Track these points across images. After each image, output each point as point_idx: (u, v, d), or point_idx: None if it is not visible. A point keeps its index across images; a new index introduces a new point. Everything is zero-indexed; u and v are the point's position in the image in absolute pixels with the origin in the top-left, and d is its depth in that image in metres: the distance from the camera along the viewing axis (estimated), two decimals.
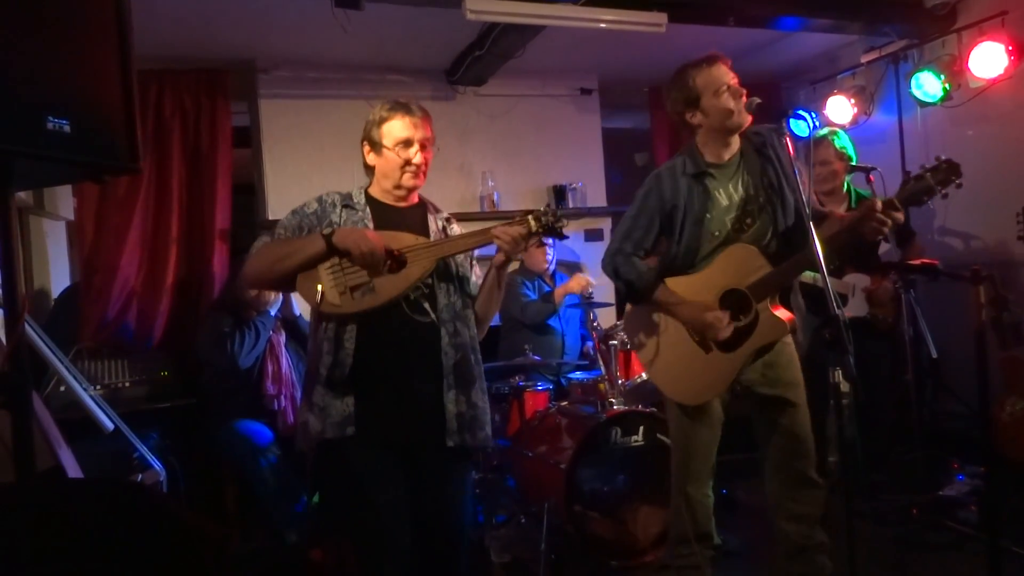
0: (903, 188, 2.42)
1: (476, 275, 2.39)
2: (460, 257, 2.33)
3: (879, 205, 2.31)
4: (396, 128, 2.26)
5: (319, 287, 2.12)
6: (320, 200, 2.32)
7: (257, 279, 2.33)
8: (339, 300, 2.12)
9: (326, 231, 2.15)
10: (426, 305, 2.21)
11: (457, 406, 2.20)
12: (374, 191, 2.34)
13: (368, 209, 2.29)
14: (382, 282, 2.13)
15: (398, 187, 2.29)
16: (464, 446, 2.22)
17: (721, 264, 2.53)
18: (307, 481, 3.49)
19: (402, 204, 2.33)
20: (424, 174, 2.31)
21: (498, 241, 2.16)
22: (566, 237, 2.26)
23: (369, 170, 2.34)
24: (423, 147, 2.28)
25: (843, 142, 3.83)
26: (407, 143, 2.25)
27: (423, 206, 2.39)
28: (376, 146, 2.28)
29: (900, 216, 2.33)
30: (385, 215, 2.29)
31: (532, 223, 2.15)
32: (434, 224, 2.35)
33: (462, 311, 2.29)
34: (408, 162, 2.25)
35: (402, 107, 2.29)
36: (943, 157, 2.31)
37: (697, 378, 2.58)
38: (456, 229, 2.40)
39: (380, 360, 2.17)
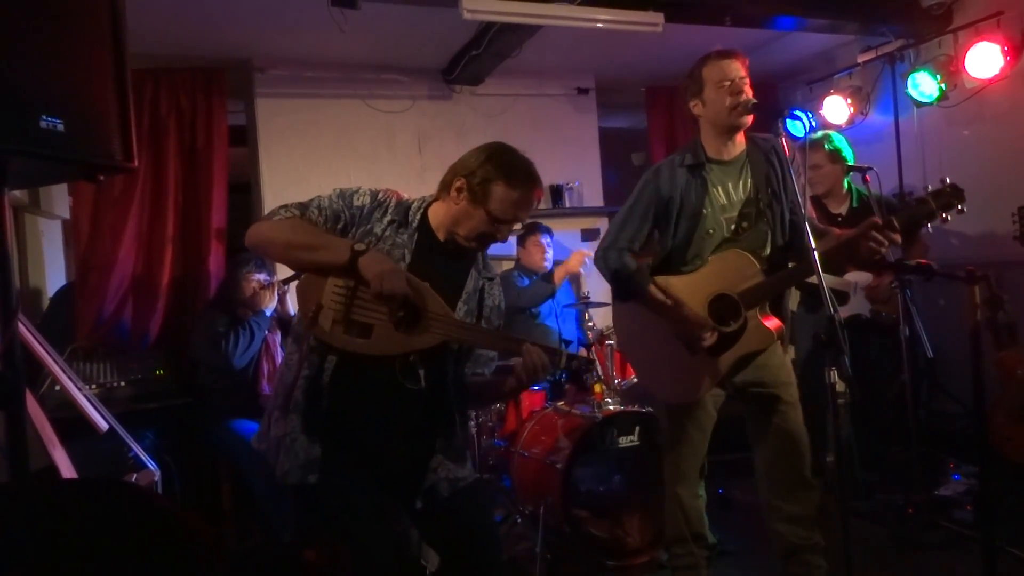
0: (904, 210, 2.40)
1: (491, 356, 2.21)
2: (488, 312, 2.15)
3: (878, 223, 2.29)
4: (514, 202, 1.98)
5: (319, 304, 1.90)
6: (374, 197, 2.04)
7: (262, 247, 2.00)
8: (329, 327, 1.90)
9: (359, 247, 1.89)
10: (421, 372, 2.00)
11: (442, 472, 2.07)
12: (436, 214, 2.07)
13: (416, 236, 2.03)
14: (383, 333, 1.91)
15: (467, 240, 2.04)
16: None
17: (715, 268, 2.53)
18: None
19: (454, 248, 2.07)
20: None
21: (521, 360, 1.95)
22: (586, 388, 2.15)
23: (446, 194, 2.04)
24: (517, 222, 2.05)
25: (835, 144, 3.85)
26: (512, 221, 2.02)
27: (471, 256, 2.14)
28: (477, 198, 1.97)
29: (897, 238, 2.30)
30: (429, 251, 2.04)
31: (563, 360, 1.99)
32: (471, 284, 2.11)
33: (464, 387, 2.13)
34: (496, 237, 2.03)
35: (534, 184, 2.01)
36: (948, 180, 2.29)
37: (681, 378, 2.57)
38: (496, 293, 2.20)
39: (354, 412, 1.99)
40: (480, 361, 2.19)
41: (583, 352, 4.48)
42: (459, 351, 2.11)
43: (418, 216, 2.06)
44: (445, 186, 2.04)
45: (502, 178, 1.97)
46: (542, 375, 1.97)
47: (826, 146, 3.83)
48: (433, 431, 2.09)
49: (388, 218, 2.02)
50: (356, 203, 2.01)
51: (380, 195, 2.05)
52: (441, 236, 2.06)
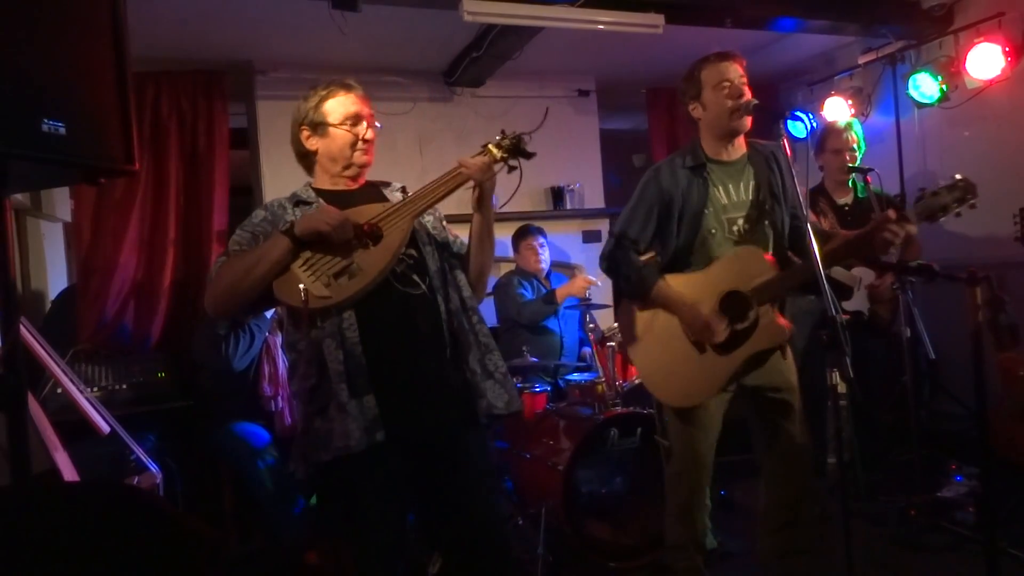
0: (918, 203, 2.39)
1: (453, 236, 2.29)
2: (433, 223, 2.24)
3: (892, 217, 2.30)
4: (343, 104, 2.16)
5: (300, 286, 1.96)
6: (267, 207, 2.17)
7: (222, 304, 2.04)
8: (327, 291, 1.97)
9: (284, 227, 2.00)
10: (415, 276, 2.08)
11: (488, 396, 2.08)
12: (320, 183, 2.22)
13: (321, 200, 2.14)
14: (364, 260, 2.00)
15: (348, 166, 2.17)
16: (493, 415, 2.09)
17: (726, 264, 2.50)
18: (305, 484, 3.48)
19: (353, 187, 2.21)
20: (372, 151, 2.21)
21: (465, 172, 2.07)
22: (533, 154, 2.20)
23: (308, 160, 2.22)
24: (370, 123, 2.19)
25: (860, 134, 3.92)
26: (356, 118, 2.16)
27: (374, 185, 2.27)
28: (319, 127, 2.16)
29: (913, 229, 2.32)
30: (339, 203, 2.11)
31: (494, 151, 2.12)
32: (392, 197, 2.23)
33: (451, 275, 2.17)
34: (359, 138, 2.15)
35: (342, 84, 2.20)
36: (960, 176, 2.30)
37: (688, 379, 2.55)
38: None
39: (389, 345, 2.01)
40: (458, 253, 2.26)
41: (585, 353, 4.50)
42: (435, 247, 2.17)
43: (309, 191, 2.18)
44: (301, 156, 2.23)
45: (320, 100, 2.16)
46: (487, 169, 2.09)
47: (855, 131, 3.90)
48: (464, 344, 2.10)
49: (290, 208, 2.13)
50: (257, 220, 2.13)
51: (270, 203, 2.19)
52: (339, 187, 2.19)
